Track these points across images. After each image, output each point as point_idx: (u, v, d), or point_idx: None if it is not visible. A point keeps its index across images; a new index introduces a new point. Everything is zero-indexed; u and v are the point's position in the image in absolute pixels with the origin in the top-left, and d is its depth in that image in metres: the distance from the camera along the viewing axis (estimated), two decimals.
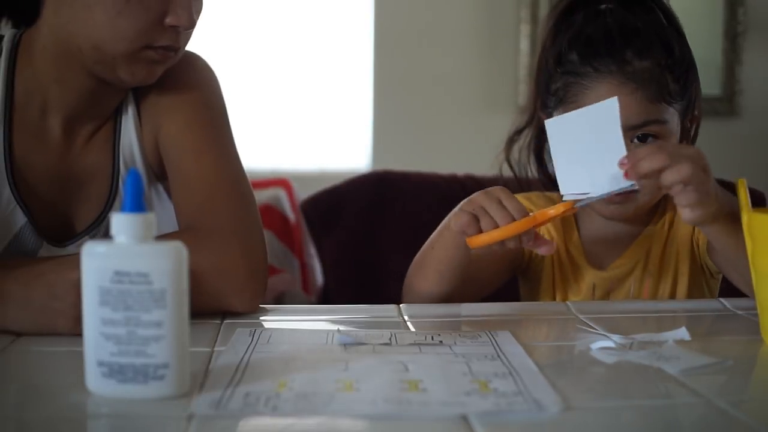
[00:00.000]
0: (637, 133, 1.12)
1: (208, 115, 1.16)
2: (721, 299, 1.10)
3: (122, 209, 0.69)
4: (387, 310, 1.05)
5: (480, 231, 0.98)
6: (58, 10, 1.04)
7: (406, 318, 1.00)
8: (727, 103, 3.18)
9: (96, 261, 0.69)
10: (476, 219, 0.98)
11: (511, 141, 1.28)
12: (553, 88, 1.18)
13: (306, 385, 0.72)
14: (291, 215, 2.57)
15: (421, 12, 3.07)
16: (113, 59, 1.03)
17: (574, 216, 1.26)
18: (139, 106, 1.16)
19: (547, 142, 1.23)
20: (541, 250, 1.02)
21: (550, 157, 1.24)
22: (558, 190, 1.20)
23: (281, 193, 2.61)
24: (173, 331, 0.69)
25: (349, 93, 3.08)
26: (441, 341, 0.87)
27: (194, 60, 1.21)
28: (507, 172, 1.35)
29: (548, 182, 1.27)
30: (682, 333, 0.88)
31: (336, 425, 0.66)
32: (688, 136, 1.23)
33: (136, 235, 0.69)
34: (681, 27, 1.20)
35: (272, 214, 2.53)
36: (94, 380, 0.70)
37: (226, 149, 1.15)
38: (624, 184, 0.93)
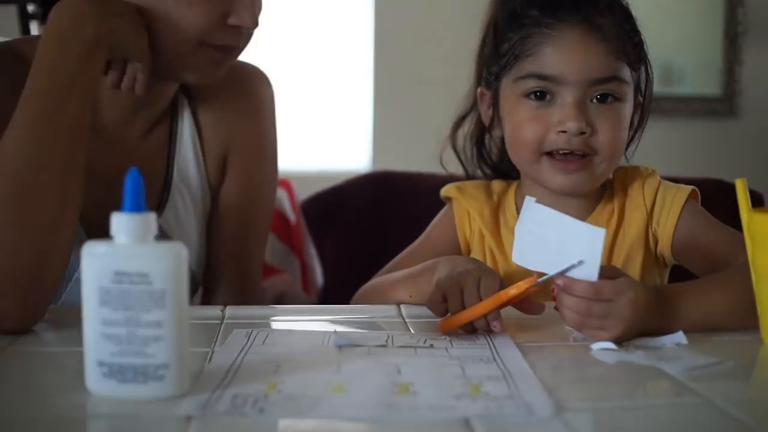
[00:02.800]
0: (599, 90, 1.07)
1: (274, 157, 1.27)
2: None
3: (122, 209, 0.69)
4: (387, 310, 1.05)
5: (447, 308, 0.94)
6: None
7: (406, 318, 1.00)
8: (727, 104, 3.18)
9: (96, 261, 0.69)
10: (446, 300, 0.93)
11: (455, 128, 1.24)
12: (503, 50, 1.11)
13: (295, 387, 0.72)
14: (291, 215, 2.57)
15: (421, 12, 3.07)
16: (174, 59, 1.04)
17: (515, 199, 1.19)
18: (195, 115, 1.18)
19: (487, 131, 1.19)
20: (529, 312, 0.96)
21: (491, 147, 1.21)
22: (498, 178, 1.19)
23: (281, 193, 2.61)
24: (173, 331, 0.69)
25: (349, 93, 3.08)
26: (432, 344, 0.86)
27: (255, 72, 1.25)
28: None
29: (490, 172, 1.24)
30: (679, 337, 0.88)
31: (322, 429, 0.65)
32: (633, 124, 1.16)
33: (136, 235, 0.69)
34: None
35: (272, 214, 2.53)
36: (94, 380, 0.70)
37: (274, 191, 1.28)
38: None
